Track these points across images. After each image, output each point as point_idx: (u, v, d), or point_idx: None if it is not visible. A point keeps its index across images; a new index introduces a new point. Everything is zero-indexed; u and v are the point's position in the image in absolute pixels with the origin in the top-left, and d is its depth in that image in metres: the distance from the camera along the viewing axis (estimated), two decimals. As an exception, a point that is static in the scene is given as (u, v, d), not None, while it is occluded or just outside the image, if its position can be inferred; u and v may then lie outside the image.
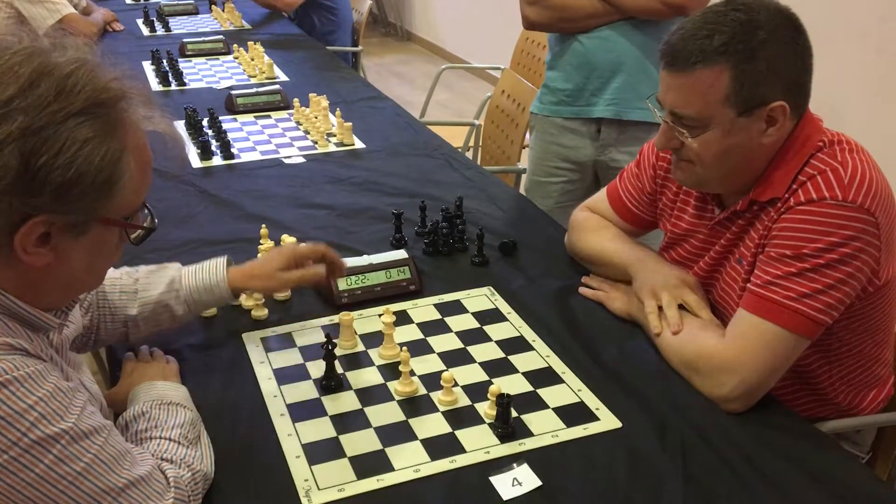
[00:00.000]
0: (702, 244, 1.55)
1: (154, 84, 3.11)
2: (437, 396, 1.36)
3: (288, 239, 1.74)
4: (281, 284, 1.50)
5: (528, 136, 2.73)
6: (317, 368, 1.44)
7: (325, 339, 1.38)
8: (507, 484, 1.19)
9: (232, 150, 2.42)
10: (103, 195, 0.96)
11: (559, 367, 1.45)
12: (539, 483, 1.19)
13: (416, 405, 1.35)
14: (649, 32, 2.23)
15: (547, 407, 1.35)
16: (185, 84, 3.12)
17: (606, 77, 2.28)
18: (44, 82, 0.92)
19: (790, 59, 1.35)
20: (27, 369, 0.94)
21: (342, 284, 1.63)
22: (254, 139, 2.55)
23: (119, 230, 1.03)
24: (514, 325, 1.58)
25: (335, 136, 2.57)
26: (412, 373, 1.41)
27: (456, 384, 1.38)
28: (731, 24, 1.32)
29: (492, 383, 1.38)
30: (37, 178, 0.91)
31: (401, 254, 1.72)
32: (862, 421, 1.55)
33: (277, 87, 2.92)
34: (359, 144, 2.53)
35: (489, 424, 1.31)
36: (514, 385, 1.40)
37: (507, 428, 1.28)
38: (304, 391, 1.39)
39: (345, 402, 1.36)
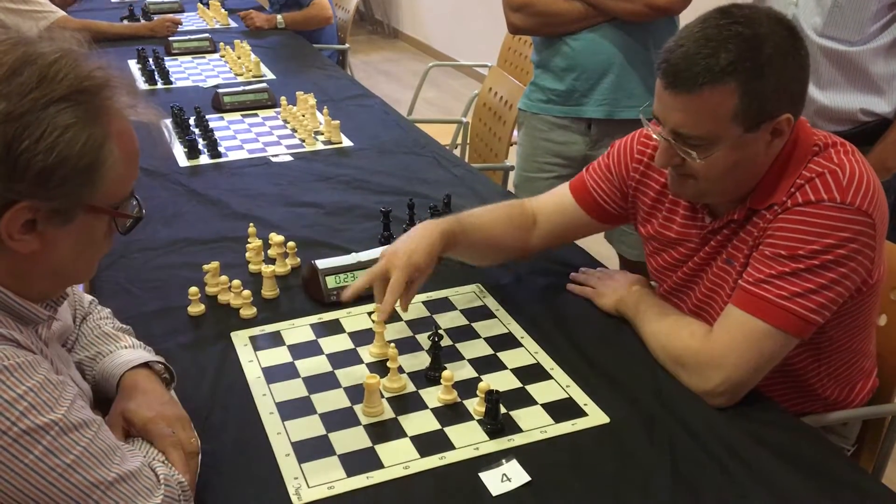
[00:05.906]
0: (690, 251, 1.53)
1: (140, 83, 3.09)
2: (435, 394, 1.36)
3: (276, 237, 1.74)
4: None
5: (515, 132, 2.73)
6: (305, 366, 1.44)
7: (431, 332, 1.41)
8: (497, 480, 1.19)
9: (219, 148, 2.41)
10: (86, 181, 0.97)
11: (547, 363, 1.46)
12: (528, 478, 1.19)
13: (404, 402, 1.36)
14: (635, 34, 2.24)
15: (535, 403, 1.36)
16: (171, 83, 3.11)
17: (596, 78, 2.28)
18: (27, 70, 0.93)
19: (795, 71, 1.31)
20: (17, 359, 0.95)
21: (331, 283, 1.63)
22: (241, 138, 2.55)
23: (107, 219, 1.04)
24: (502, 321, 1.58)
25: (323, 134, 2.56)
26: (400, 369, 1.41)
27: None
28: (735, 40, 1.27)
29: (480, 380, 1.39)
30: (18, 164, 0.91)
31: (389, 252, 1.71)
32: (848, 414, 1.56)
33: (264, 85, 2.91)
34: (346, 143, 2.53)
35: (478, 421, 1.31)
36: (502, 381, 1.40)
37: (496, 424, 1.29)
38: (293, 389, 1.38)
39: (334, 399, 1.36)
